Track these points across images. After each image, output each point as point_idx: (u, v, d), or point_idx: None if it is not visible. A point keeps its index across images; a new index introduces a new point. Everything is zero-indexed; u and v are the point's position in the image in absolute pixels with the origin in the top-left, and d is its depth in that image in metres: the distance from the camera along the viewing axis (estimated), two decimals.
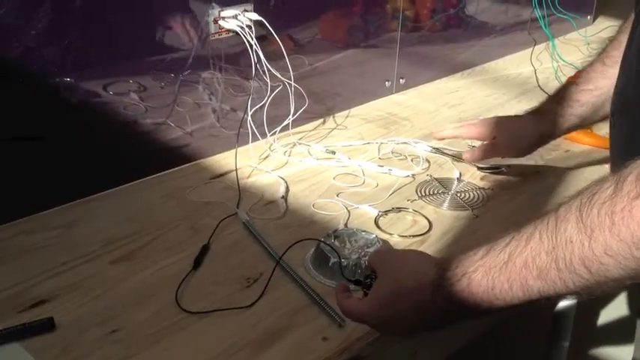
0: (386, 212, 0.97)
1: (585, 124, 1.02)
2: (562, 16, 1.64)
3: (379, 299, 0.67)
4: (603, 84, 0.95)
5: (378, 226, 0.93)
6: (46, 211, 0.93)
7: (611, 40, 0.95)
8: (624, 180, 0.50)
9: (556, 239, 0.54)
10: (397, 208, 0.98)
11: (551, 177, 1.09)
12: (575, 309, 1.12)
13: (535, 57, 1.57)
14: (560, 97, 1.01)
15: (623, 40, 0.83)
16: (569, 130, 1.03)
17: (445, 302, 0.62)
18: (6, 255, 0.84)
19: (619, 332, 1.37)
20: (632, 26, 0.78)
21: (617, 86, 0.81)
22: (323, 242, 0.83)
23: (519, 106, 1.34)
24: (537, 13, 1.56)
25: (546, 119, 1.02)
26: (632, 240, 0.49)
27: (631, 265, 0.50)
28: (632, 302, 1.33)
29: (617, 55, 0.88)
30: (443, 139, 1.14)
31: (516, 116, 1.09)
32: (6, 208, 0.89)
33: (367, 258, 0.75)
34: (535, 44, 1.60)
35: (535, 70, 1.52)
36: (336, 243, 0.84)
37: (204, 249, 0.86)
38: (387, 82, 1.41)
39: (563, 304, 1.12)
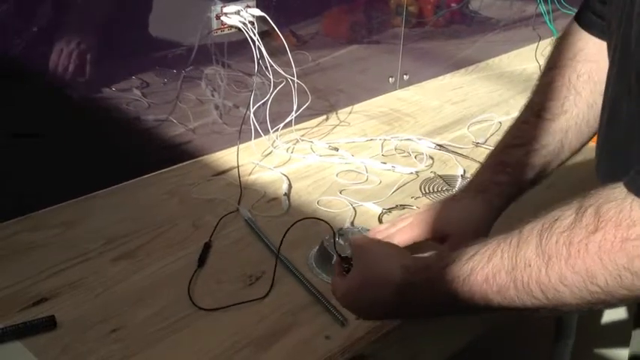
0: (390, 209, 0.96)
1: (537, 183, 0.86)
2: (567, 11, 1.62)
3: (349, 284, 0.70)
4: (549, 141, 0.82)
5: (381, 224, 0.93)
6: (48, 209, 0.93)
7: (538, 89, 0.85)
8: (585, 211, 0.50)
9: (516, 260, 0.54)
10: (401, 205, 0.98)
11: (554, 174, 1.08)
12: None
13: (540, 52, 1.56)
14: (505, 164, 0.84)
15: (557, 88, 0.81)
16: (520, 195, 0.85)
17: (406, 302, 0.65)
18: (7, 253, 0.84)
19: (622, 330, 1.37)
20: (609, 68, 0.73)
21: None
22: (327, 240, 0.82)
23: (523, 102, 1.33)
24: (542, 8, 1.55)
25: (497, 194, 0.83)
26: (587, 274, 0.50)
27: (586, 297, 0.51)
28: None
29: (552, 106, 0.82)
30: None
31: (453, 202, 0.85)
32: (7, 206, 0.89)
33: (351, 240, 0.76)
34: (540, 40, 1.59)
35: (539, 66, 1.50)
36: (341, 241, 0.84)
37: (207, 247, 0.85)
38: (390, 79, 1.40)
39: None
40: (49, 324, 0.71)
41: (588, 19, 0.81)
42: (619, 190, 0.49)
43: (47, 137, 0.90)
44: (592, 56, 0.80)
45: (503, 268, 0.55)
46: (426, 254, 0.73)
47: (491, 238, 0.61)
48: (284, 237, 0.78)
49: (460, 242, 0.71)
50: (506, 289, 0.55)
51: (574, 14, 0.85)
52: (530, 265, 0.53)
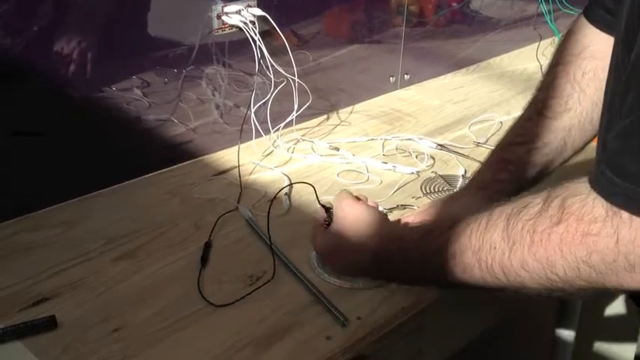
0: (390, 209, 0.96)
1: (539, 181, 0.85)
2: (568, 11, 1.62)
3: (327, 241, 0.74)
4: (550, 139, 0.82)
5: None
6: (48, 209, 0.93)
7: (542, 86, 0.85)
8: (551, 202, 0.52)
9: (482, 241, 0.56)
10: (402, 205, 0.97)
11: (555, 172, 1.08)
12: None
13: (541, 52, 1.56)
14: (506, 162, 0.84)
15: (560, 85, 0.81)
16: (519, 193, 0.80)
17: (382, 268, 0.69)
18: (7, 253, 0.84)
19: (624, 325, 1.37)
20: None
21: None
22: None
23: (525, 102, 1.33)
24: (543, 7, 1.55)
25: (498, 192, 0.82)
26: (547, 263, 0.52)
27: (545, 284, 0.53)
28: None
29: (555, 104, 0.82)
30: None
31: (453, 199, 0.86)
32: (7, 206, 0.89)
33: (335, 196, 0.78)
34: (541, 39, 1.59)
35: (541, 66, 1.50)
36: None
37: (208, 246, 0.85)
38: (391, 78, 1.40)
39: None
40: (49, 324, 0.71)
41: (597, 14, 0.80)
42: (584, 186, 0.50)
43: (47, 136, 0.90)
44: (598, 53, 0.80)
45: (470, 248, 0.57)
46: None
47: (421, 225, 0.66)
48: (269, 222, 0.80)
49: None
50: (471, 269, 0.57)
51: (583, 9, 0.84)
52: (495, 248, 0.55)
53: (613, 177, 0.48)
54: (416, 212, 0.85)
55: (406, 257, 0.66)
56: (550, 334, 1.30)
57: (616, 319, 1.38)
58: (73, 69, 0.90)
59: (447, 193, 1.01)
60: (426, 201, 0.99)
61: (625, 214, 0.47)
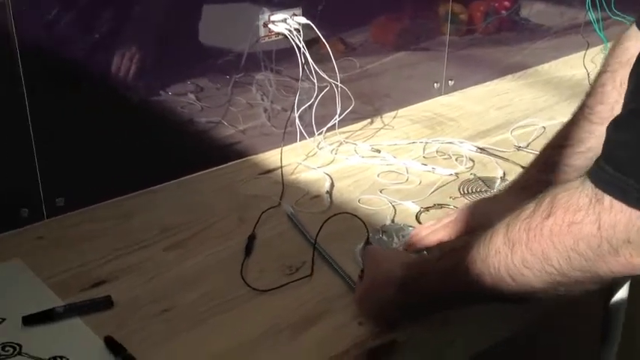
0: (427, 208, 1.00)
1: None
2: (618, 18, 1.62)
3: (359, 289, 0.78)
4: (593, 144, 0.84)
5: (419, 222, 0.96)
6: (110, 201, 1.01)
7: (591, 92, 0.87)
8: (542, 201, 0.55)
9: (488, 249, 0.59)
10: (439, 204, 1.01)
11: None
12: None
13: (589, 59, 1.56)
14: (549, 163, 0.87)
15: (607, 91, 0.82)
16: None
17: (410, 298, 0.71)
18: (73, 240, 0.92)
19: None
20: None
21: None
22: (371, 236, 0.88)
23: (569, 109, 1.33)
24: (591, 15, 1.55)
25: (539, 192, 0.80)
26: (542, 256, 0.54)
27: (546, 279, 0.55)
28: None
29: (601, 110, 0.84)
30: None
31: (496, 198, 0.92)
32: (74, 198, 0.97)
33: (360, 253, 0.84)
34: (588, 47, 1.59)
35: (588, 73, 1.50)
36: (384, 237, 0.88)
37: (251, 238, 0.91)
38: (435, 84, 1.44)
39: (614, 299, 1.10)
40: (106, 303, 0.78)
41: None
42: (578, 181, 0.53)
43: (110, 136, 0.98)
44: None
45: (479, 258, 0.60)
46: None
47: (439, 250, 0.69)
48: (321, 228, 0.86)
49: None
50: (483, 278, 0.60)
51: (635, 18, 0.85)
52: (499, 252, 0.58)
53: (604, 165, 0.50)
54: (459, 209, 0.89)
55: (428, 280, 0.68)
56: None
57: None
58: (133, 75, 0.98)
59: (485, 194, 1.04)
60: (463, 201, 1.02)
61: (607, 200, 0.49)
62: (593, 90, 0.87)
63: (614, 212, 0.49)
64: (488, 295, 0.61)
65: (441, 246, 0.74)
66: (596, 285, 0.54)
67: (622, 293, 1.02)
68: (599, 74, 0.87)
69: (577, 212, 0.51)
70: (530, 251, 0.55)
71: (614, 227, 0.49)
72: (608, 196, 0.49)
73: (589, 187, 0.51)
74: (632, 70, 0.54)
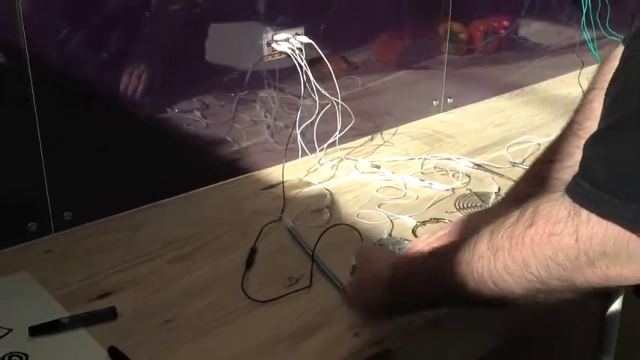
0: (424, 222, 1.03)
1: None
2: (613, 37, 1.65)
3: (350, 288, 0.82)
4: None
5: (415, 236, 0.99)
6: (117, 215, 1.04)
7: (579, 109, 0.88)
8: (526, 211, 0.57)
9: (472, 253, 0.61)
10: (435, 219, 1.04)
11: None
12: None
13: (584, 78, 1.59)
14: (539, 177, 0.90)
15: (594, 108, 0.84)
16: None
17: (394, 297, 0.73)
18: (81, 253, 0.95)
19: None
20: None
21: None
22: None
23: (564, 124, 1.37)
24: (586, 35, 1.58)
25: None
26: (523, 263, 0.56)
27: (526, 285, 0.57)
28: None
29: (589, 126, 0.84)
30: None
31: (489, 211, 0.95)
32: (84, 212, 1.00)
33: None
34: (582, 66, 1.62)
35: (583, 91, 1.53)
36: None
37: (253, 251, 0.94)
38: (434, 102, 1.47)
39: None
40: (110, 314, 0.80)
41: None
42: (559, 194, 0.55)
43: (117, 152, 1.02)
44: None
45: (464, 261, 0.62)
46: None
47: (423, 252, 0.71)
48: (319, 239, 0.89)
49: None
50: (466, 280, 0.62)
51: (622, 38, 0.88)
52: (483, 257, 0.60)
53: (581, 181, 0.53)
54: (453, 222, 0.92)
55: (415, 280, 0.70)
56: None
57: None
58: (141, 92, 1.02)
59: (480, 209, 1.07)
60: (459, 216, 1.05)
61: (584, 214, 0.52)
62: (582, 107, 0.89)
63: (591, 225, 0.51)
64: (471, 299, 0.63)
65: (430, 247, 0.76)
66: (573, 294, 0.56)
67: (618, 304, 1.04)
68: (588, 91, 0.89)
69: (557, 224, 0.53)
70: (512, 258, 0.57)
71: (590, 240, 0.51)
72: (585, 210, 0.52)
73: (567, 201, 0.53)
74: (607, 87, 0.57)
